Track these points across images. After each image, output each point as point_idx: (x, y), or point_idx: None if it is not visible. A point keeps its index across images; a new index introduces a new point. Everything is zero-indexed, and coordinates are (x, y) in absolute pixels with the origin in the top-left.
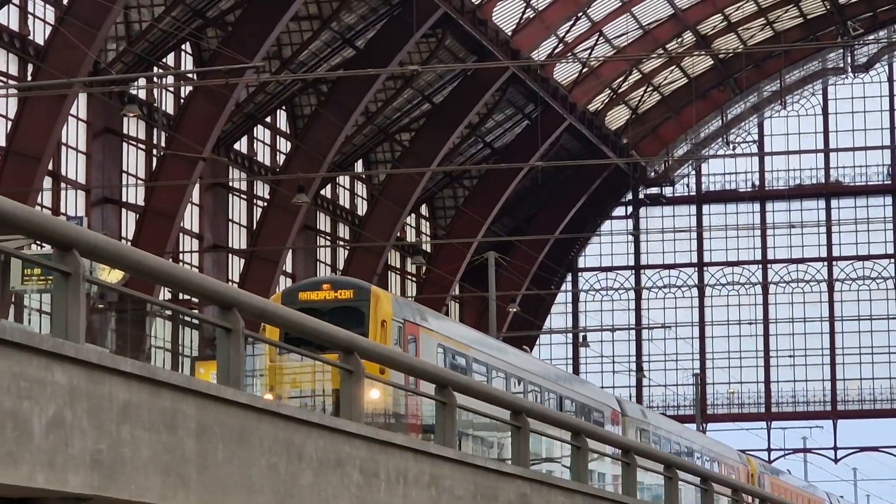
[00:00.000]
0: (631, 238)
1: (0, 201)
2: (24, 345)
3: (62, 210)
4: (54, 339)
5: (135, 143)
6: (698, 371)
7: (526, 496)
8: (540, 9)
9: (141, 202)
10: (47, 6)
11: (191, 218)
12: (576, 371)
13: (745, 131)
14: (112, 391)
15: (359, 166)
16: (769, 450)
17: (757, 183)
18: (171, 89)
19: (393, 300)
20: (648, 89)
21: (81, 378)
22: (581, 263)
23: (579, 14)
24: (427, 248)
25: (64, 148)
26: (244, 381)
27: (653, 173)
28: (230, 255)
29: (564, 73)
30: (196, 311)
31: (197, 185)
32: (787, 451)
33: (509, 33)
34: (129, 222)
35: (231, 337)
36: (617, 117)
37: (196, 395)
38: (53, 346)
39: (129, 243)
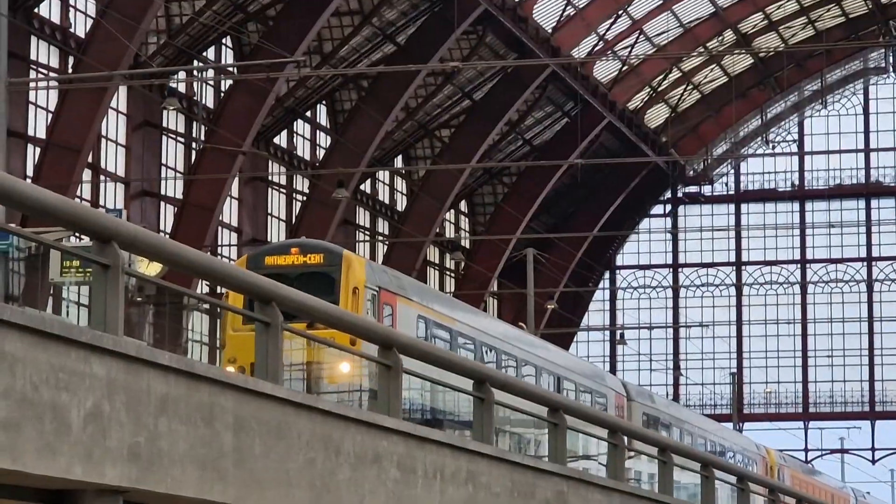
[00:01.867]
0: (669, 236)
1: (40, 193)
2: (63, 337)
3: (101, 202)
4: (93, 332)
5: (174, 136)
6: (735, 370)
7: (563, 494)
8: (580, 6)
9: (180, 195)
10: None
11: (230, 212)
12: (613, 369)
13: (785, 130)
14: (150, 384)
15: (398, 162)
16: (806, 450)
17: (796, 182)
18: (212, 83)
19: (367, 266)
20: (688, 88)
21: (120, 370)
22: (619, 261)
23: (620, 12)
24: (466, 244)
25: (104, 140)
26: (282, 376)
27: (692, 172)
28: None
29: (604, 70)
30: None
31: (236, 179)
32: (824, 452)
33: (549, 31)
34: (167, 215)
35: (269, 332)
36: (656, 115)
37: (234, 388)
38: (92, 338)
39: (167, 236)
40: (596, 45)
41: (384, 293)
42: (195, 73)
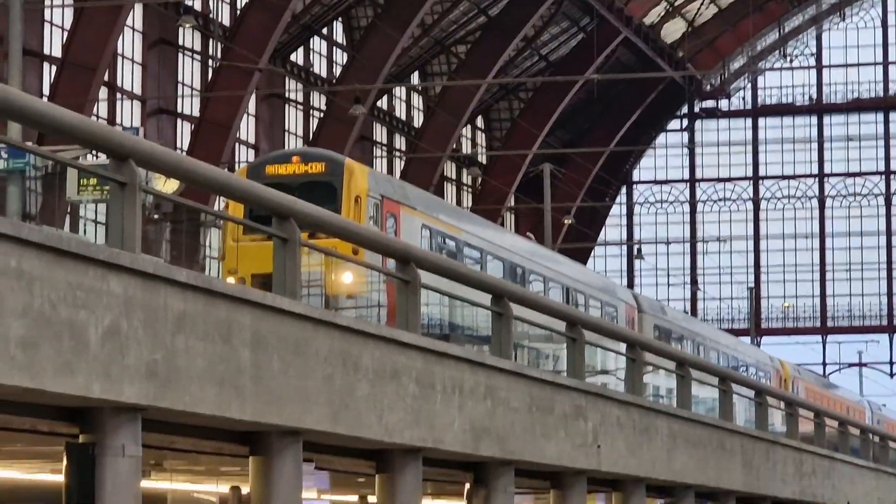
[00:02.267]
0: (686, 151)
1: (57, 112)
2: (81, 255)
3: (118, 121)
4: (110, 249)
5: (190, 53)
6: (753, 285)
7: (581, 408)
8: None
9: (196, 113)
10: None
11: (246, 129)
12: (630, 284)
13: (802, 44)
14: (167, 301)
15: (415, 78)
16: (824, 364)
17: (814, 96)
18: (227, 0)
19: (370, 174)
20: (705, 2)
21: (137, 288)
22: (636, 176)
23: None
24: (482, 159)
25: (119, 59)
26: (300, 291)
27: (708, 86)
28: None
29: None
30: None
31: (253, 96)
32: (842, 366)
33: None
34: (184, 133)
35: (287, 247)
36: (673, 30)
37: (252, 305)
38: (109, 255)
39: (184, 154)
40: None
41: (387, 202)
42: None
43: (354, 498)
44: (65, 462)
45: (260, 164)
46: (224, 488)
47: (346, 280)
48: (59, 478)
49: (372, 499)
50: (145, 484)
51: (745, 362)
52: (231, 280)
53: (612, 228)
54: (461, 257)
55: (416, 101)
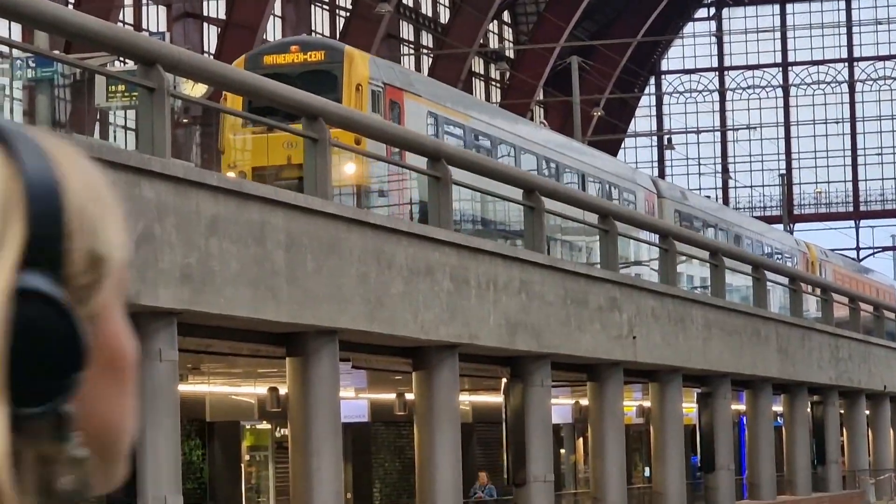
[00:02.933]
0: (714, 39)
1: (83, 19)
2: (111, 161)
3: (144, 26)
4: (140, 155)
5: None
6: (784, 171)
7: (616, 300)
8: None
9: (222, 16)
10: None
11: (273, 30)
12: (661, 174)
13: None
14: (199, 205)
15: None
16: (857, 248)
17: None
18: None
19: (371, 61)
20: None
21: (168, 193)
22: (664, 66)
23: None
24: (510, 54)
25: None
26: (331, 191)
27: None
28: None
29: None
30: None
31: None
32: (875, 250)
33: None
34: (211, 36)
35: (317, 147)
36: None
37: (284, 206)
38: (140, 161)
39: (211, 57)
40: None
41: (390, 89)
42: None
43: (392, 396)
44: None
45: (258, 55)
46: (262, 390)
47: (347, 171)
48: None
49: (409, 396)
50: (183, 388)
51: (770, 246)
52: (231, 174)
53: (642, 119)
54: (469, 144)
55: None
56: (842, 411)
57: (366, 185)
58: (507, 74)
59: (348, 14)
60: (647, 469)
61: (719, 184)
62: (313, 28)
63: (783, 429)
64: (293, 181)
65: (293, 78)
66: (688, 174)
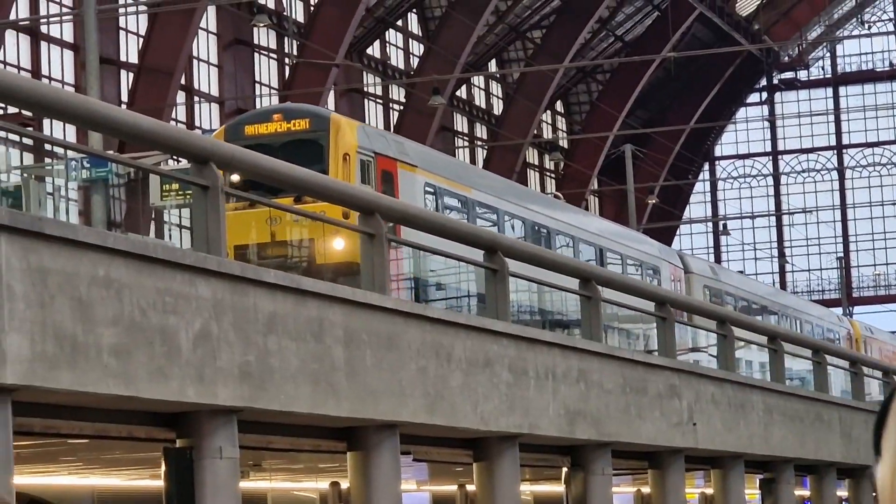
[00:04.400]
0: (767, 124)
1: (136, 118)
2: (168, 260)
3: (196, 124)
4: (196, 254)
5: (266, 52)
6: (842, 254)
7: (675, 387)
8: None
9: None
10: None
11: None
12: (717, 259)
13: (879, 10)
14: (257, 302)
15: (492, 66)
16: None
17: (894, 62)
18: None
19: (360, 129)
20: None
21: (226, 291)
22: (718, 152)
23: None
24: (564, 144)
25: (195, 61)
26: (389, 286)
27: (787, 58)
28: None
29: None
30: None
31: (331, 92)
32: None
33: None
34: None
35: (374, 242)
36: (748, 3)
37: (342, 302)
38: (196, 260)
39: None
40: None
41: (382, 159)
42: None
43: (453, 487)
44: (163, 467)
45: (238, 125)
46: (323, 485)
47: (336, 246)
48: (159, 483)
49: (471, 487)
50: (244, 485)
51: (810, 323)
52: None
53: (697, 206)
54: (472, 217)
55: (495, 88)
56: None
57: (423, 279)
58: (562, 164)
59: (402, 108)
60: None
61: (776, 268)
62: (366, 123)
63: None
64: (279, 259)
65: (276, 148)
66: (744, 259)
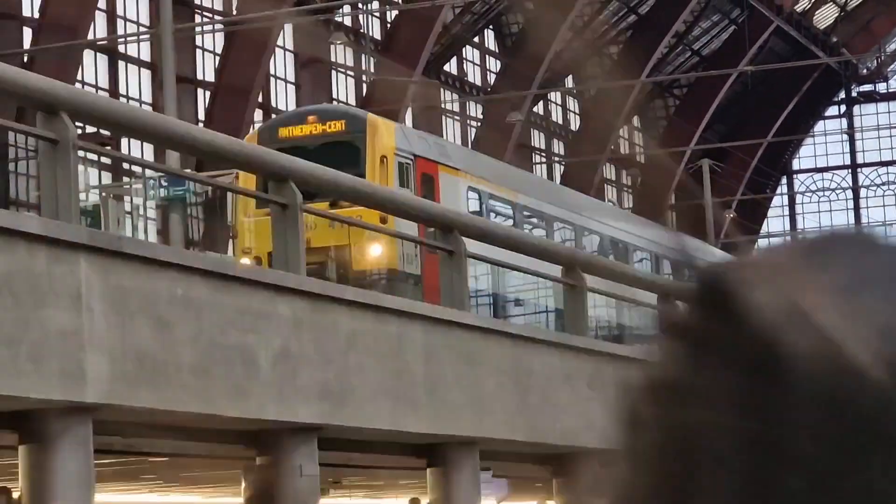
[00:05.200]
0: (846, 137)
1: (214, 137)
2: (247, 279)
3: None
4: (276, 272)
5: (343, 70)
6: None
7: None
8: None
9: None
10: None
11: None
12: None
13: None
14: (337, 320)
15: (569, 82)
16: None
17: None
18: (377, 14)
19: (398, 130)
20: None
21: (305, 309)
22: (796, 165)
23: None
24: (641, 159)
25: (273, 80)
26: (468, 302)
27: (865, 70)
28: None
29: None
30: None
31: (409, 109)
32: None
33: None
34: None
35: (453, 259)
36: (825, 16)
37: (421, 318)
38: (276, 278)
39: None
40: None
41: (422, 162)
42: (360, 5)
43: None
44: (243, 485)
45: (272, 127)
46: (403, 501)
47: (374, 253)
48: (239, 501)
49: (551, 503)
50: (325, 502)
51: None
52: (245, 261)
53: (775, 220)
54: (519, 222)
55: (572, 104)
56: None
57: (503, 295)
58: (639, 180)
59: (479, 124)
60: None
61: None
62: (444, 138)
63: None
64: (313, 267)
65: (311, 150)
66: None
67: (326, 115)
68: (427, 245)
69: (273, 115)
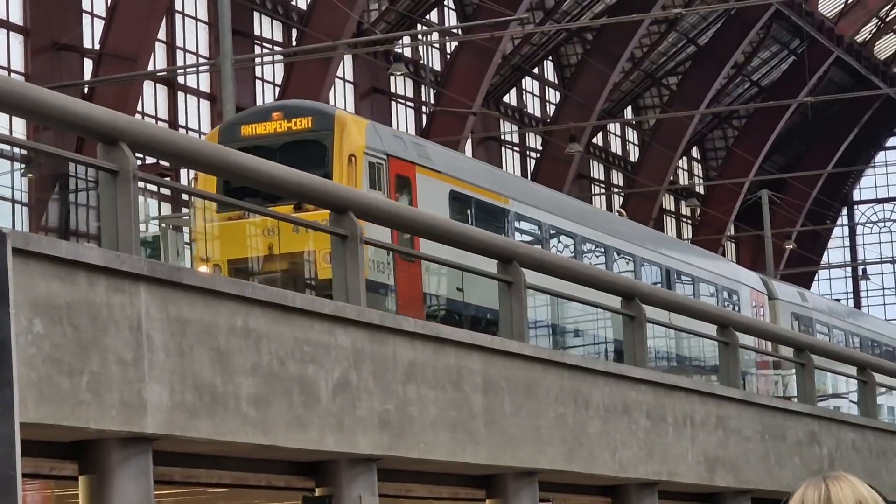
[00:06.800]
0: None
1: (273, 168)
2: (306, 310)
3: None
4: (336, 303)
5: (403, 101)
6: None
7: (815, 434)
8: None
9: None
10: None
11: None
12: (857, 304)
13: None
14: (396, 351)
15: (628, 112)
16: None
17: None
18: (437, 46)
19: (370, 128)
20: None
21: (365, 340)
22: (856, 196)
23: None
24: (700, 189)
25: None
26: (527, 333)
27: None
28: None
29: (829, 5)
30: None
31: (469, 140)
32: None
33: None
34: None
35: (512, 289)
36: (886, 46)
37: (480, 349)
38: (335, 309)
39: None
40: None
41: (396, 162)
42: (420, 36)
43: None
44: None
45: (234, 125)
46: None
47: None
48: None
49: None
50: None
51: None
52: (204, 269)
53: (835, 251)
54: (509, 231)
55: (631, 135)
56: None
57: (561, 326)
58: (698, 210)
59: (538, 155)
60: None
61: None
62: (503, 169)
63: None
64: (275, 275)
65: (275, 150)
66: (884, 304)
67: (292, 111)
68: (488, 276)
69: None
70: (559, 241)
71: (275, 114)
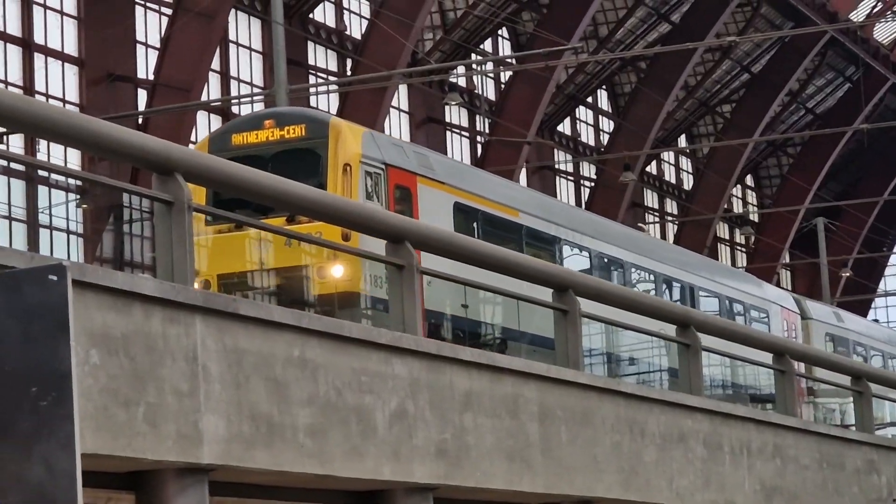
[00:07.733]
0: None
1: (328, 198)
2: (363, 340)
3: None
4: (392, 333)
5: (458, 130)
6: None
7: (873, 462)
8: None
9: None
10: (362, 1)
11: None
12: None
13: None
14: (453, 380)
15: (682, 141)
16: None
17: None
18: (491, 75)
19: (367, 136)
20: None
21: (422, 369)
22: None
23: None
24: (754, 218)
25: None
26: (582, 362)
27: None
28: None
29: (885, 32)
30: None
31: (523, 169)
32: None
33: None
34: None
35: (568, 318)
36: None
37: (536, 378)
38: (392, 339)
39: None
40: (874, 6)
41: (395, 172)
42: (474, 66)
43: None
44: None
45: (224, 133)
46: None
47: (336, 274)
48: None
49: None
50: None
51: None
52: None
53: (893, 278)
54: (520, 246)
55: (685, 163)
56: None
57: (616, 354)
58: (753, 238)
59: (593, 184)
60: None
61: None
62: (558, 199)
63: None
64: (268, 291)
65: (267, 159)
66: None
67: (285, 119)
68: (544, 306)
69: None
70: (573, 256)
71: (267, 121)
